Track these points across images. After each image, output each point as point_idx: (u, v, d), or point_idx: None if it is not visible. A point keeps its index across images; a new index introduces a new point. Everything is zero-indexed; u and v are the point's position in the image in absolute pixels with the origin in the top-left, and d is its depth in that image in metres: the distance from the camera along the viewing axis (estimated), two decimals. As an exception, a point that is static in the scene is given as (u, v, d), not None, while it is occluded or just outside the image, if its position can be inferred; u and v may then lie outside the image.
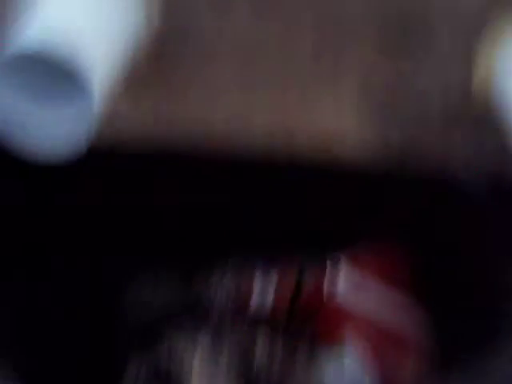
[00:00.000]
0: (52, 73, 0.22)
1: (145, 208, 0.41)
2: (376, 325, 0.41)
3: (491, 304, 0.39)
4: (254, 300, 0.42)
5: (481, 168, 0.31)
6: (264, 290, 0.42)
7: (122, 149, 0.31)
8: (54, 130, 0.22)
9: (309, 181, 0.37)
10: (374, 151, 0.30)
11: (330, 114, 0.29)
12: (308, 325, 0.41)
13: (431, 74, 0.28)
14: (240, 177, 0.38)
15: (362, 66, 0.28)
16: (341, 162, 0.30)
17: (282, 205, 0.41)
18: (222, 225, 0.42)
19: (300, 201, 0.41)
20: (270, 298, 0.42)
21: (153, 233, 0.41)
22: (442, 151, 0.30)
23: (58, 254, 0.42)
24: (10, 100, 0.22)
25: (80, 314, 0.41)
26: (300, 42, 0.27)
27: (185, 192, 0.41)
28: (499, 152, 0.28)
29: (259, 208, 0.41)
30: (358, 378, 0.39)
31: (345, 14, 0.26)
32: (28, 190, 0.40)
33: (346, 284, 0.42)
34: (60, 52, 0.20)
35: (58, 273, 0.42)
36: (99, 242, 0.42)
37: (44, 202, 0.40)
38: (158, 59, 0.27)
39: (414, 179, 0.34)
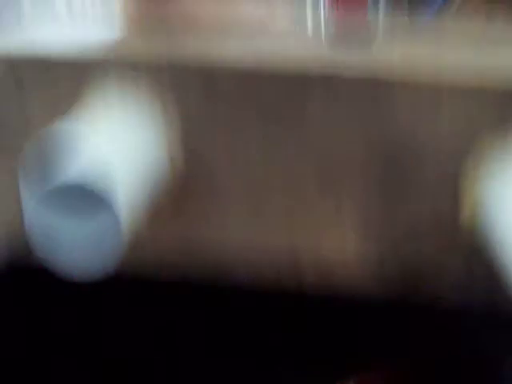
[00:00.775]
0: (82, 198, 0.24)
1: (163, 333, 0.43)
2: None
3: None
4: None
5: (472, 296, 0.31)
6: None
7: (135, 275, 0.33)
8: (81, 250, 0.25)
9: (313, 307, 0.38)
10: (372, 279, 0.32)
11: (333, 243, 0.31)
12: None
13: (420, 203, 0.29)
14: (247, 303, 0.39)
15: (359, 198, 0.29)
16: (343, 289, 0.32)
17: (284, 332, 0.42)
18: (228, 351, 0.43)
19: (304, 328, 0.42)
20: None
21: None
22: (434, 279, 0.31)
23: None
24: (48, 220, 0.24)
25: None
26: (303, 177, 0.30)
27: (192, 319, 0.42)
28: (490, 280, 0.27)
29: (262, 335, 0.42)
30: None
31: (340, 151, 0.29)
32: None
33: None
34: (96, 182, 0.23)
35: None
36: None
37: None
38: (175, 192, 0.30)
39: (413, 306, 0.34)
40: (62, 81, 0.30)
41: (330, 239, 0.31)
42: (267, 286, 0.34)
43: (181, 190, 0.30)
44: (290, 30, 0.39)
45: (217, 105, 0.29)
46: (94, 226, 0.26)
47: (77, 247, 0.25)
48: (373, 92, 0.27)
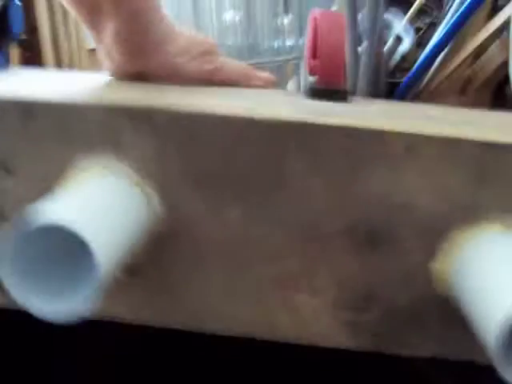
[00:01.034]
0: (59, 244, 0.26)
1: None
2: None
3: None
4: None
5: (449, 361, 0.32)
6: None
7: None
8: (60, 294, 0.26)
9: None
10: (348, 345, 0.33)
11: (309, 312, 0.32)
12: None
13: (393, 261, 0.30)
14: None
15: (337, 271, 0.31)
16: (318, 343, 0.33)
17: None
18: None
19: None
20: None
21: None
22: (410, 345, 0.32)
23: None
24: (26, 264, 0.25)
25: None
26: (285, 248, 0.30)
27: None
28: (466, 342, 0.29)
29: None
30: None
31: (318, 222, 0.30)
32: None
33: None
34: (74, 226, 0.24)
35: None
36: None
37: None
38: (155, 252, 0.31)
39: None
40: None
41: (305, 304, 0.31)
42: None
43: (162, 247, 0.31)
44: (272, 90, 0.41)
45: (194, 161, 0.29)
46: (71, 270, 0.26)
47: (54, 289, 0.25)
48: (348, 143, 0.28)
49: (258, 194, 0.30)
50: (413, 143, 0.28)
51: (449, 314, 0.29)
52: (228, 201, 0.30)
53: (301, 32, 0.86)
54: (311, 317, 0.31)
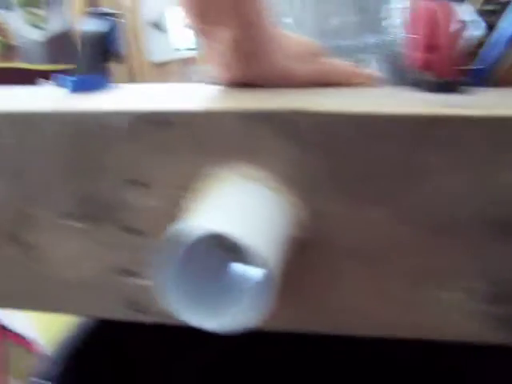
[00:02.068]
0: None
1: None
2: None
3: None
4: None
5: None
6: None
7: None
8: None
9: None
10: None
11: (456, 308, 0.31)
12: None
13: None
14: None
15: (481, 264, 0.30)
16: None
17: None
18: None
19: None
20: None
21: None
22: None
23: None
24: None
25: None
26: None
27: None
28: None
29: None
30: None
31: (460, 216, 0.29)
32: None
33: None
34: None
35: None
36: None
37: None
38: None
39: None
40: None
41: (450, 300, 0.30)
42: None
43: (308, 253, 0.30)
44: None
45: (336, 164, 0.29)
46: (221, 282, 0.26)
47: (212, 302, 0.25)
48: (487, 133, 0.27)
49: (400, 192, 0.29)
50: None
51: None
52: (370, 202, 0.29)
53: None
54: (458, 313, 0.31)
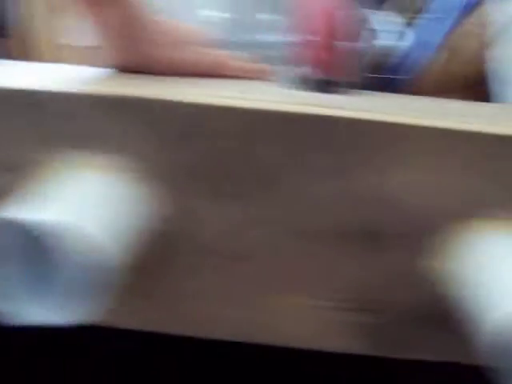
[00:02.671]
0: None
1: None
2: None
3: None
4: None
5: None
6: None
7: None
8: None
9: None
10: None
11: (308, 315, 0.31)
12: None
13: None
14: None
15: (336, 272, 0.30)
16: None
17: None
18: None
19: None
20: None
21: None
22: (413, 348, 0.32)
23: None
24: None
25: None
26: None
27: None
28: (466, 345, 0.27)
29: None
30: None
31: (315, 221, 0.29)
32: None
33: None
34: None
35: None
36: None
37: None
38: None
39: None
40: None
41: (304, 307, 0.30)
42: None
43: (165, 245, 0.29)
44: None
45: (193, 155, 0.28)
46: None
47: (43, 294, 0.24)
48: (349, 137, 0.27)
49: (260, 192, 0.28)
50: (406, 136, 0.27)
51: (450, 315, 0.28)
52: (230, 199, 0.28)
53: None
54: (308, 320, 0.30)
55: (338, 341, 0.31)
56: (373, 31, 0.86)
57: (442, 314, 0.28)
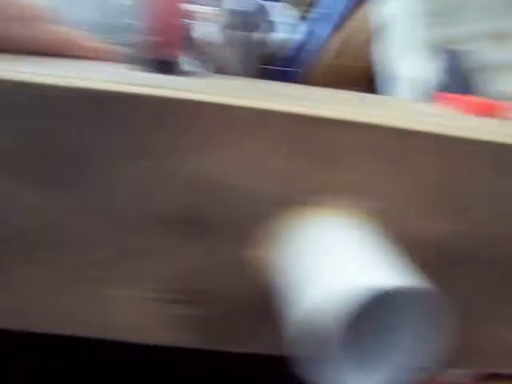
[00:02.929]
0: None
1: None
2: None
3: None
4: None
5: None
6: None
7: None
8: None
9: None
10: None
11: (132, 308, 0.29)
12: None
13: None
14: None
15: (158, 261, 0.28)
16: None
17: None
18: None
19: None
20: None
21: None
22: (242, 341, 0.31)
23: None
24: None
25: None
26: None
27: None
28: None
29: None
30: None
31: (133, 208, 0.27)
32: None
33: None
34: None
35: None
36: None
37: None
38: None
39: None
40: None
41: (126, 299, 0.28)
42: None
43: None
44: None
45: None
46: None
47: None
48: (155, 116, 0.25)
49: (61, 177, 0.26)
50: (227, 117, 0.25)
51: (273, 306, 0.28)
52: (27, 184, 0.26)
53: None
54: (127, 312, 0.29)
55: (165, 334, 0.29)
56: (271, 23, 0.86)
57: (267, 306, 0.27)
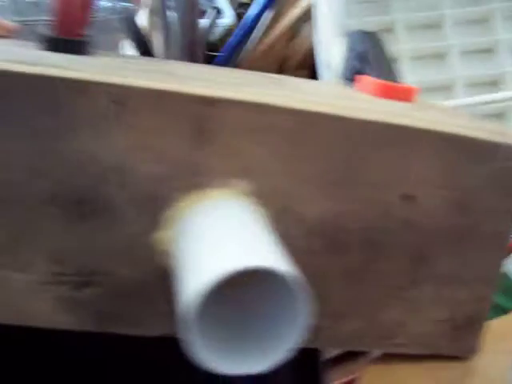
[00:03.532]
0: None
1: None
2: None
3: None
4: None
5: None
6: None
7: None
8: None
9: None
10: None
11: (17, 289, 0.29)
12: None
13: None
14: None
15: (45, 243, 0.27)
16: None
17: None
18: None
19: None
20: None
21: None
22: (138, 324, 0.31)
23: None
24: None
25: None
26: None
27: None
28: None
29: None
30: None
31: (17, 188, 0.26)
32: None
33: None
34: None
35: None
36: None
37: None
38: None
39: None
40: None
41: (11, 280, 0.27)
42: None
43: None
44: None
45: None
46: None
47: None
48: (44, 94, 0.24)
49: None
50: (121, 97, 0.25)
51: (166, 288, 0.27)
52: None
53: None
54: (21, 295, 0.28)
55: (61, 317, 0.28)
56: (216, 9, 0.85)
57: (162, 288, 0.27)
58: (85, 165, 0.25)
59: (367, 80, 0.39)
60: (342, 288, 0.31)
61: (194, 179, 0.26)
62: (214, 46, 0.85)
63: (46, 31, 0.31)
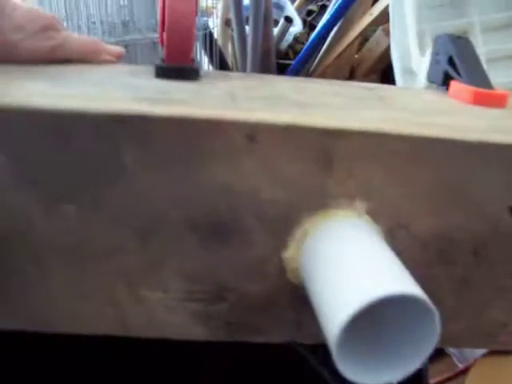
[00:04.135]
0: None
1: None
2: None
3: None
4: None
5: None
6: None
7: None
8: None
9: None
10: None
11: (158, 306, 0.32)
12: None
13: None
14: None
15: (184, 265, 0.30)
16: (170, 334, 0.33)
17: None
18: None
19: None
20: None
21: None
22: (263, 332, 0.33)
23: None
24: None
25: None
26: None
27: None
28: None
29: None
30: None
31: (160, 216, 0.29)
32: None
33: None
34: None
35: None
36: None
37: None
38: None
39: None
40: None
41: (153, 299, 0.30)
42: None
43: None
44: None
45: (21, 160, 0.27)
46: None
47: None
48: (184, 134, 0.27)
49: (92, 190, 0.28)
50: (252, 132, 0.27)
51: (302, 300, 0.29)
52: (62, 198, 0.28)
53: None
54: (160, 311, 0.31)
55: (192, 330, 0.31)
56: (289, 19, 0.87)
57: (297, 300, 0.30)
58: (220, 193, 0.28)
59: (460, 87, 0.39)
60: (451, 293, 0.33)
61: (321, 202, 0.28)
62: (284, 55, 0.88)
63: (160, 61, 0.34)
